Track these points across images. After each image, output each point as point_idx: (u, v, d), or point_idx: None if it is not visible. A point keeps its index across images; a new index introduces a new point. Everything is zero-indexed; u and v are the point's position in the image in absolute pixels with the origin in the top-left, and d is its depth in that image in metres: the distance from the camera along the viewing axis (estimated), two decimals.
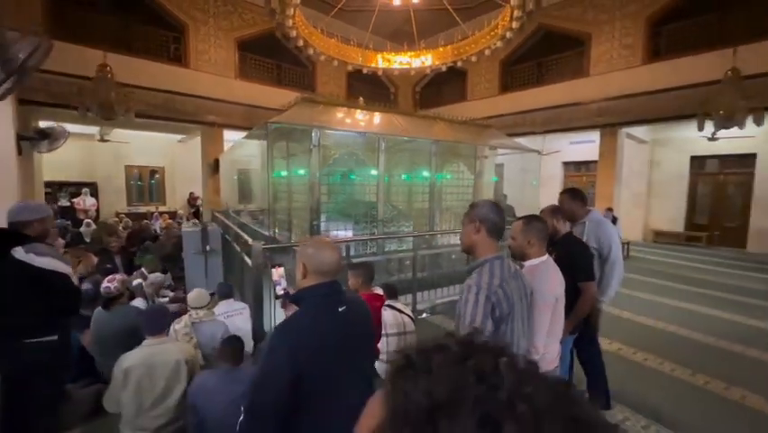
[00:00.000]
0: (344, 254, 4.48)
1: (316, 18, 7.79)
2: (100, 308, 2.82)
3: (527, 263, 1.79)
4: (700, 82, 6.76)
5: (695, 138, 8.95)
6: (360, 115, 5.23)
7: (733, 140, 8.02)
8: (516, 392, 0.23)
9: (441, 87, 12.78)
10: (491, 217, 1.46)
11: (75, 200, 10.54)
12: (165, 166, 12.43)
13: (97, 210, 10.80)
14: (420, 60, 7.25)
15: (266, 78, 10.15)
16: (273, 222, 5.36)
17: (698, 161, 10.22)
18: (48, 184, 10.28)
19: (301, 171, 5.54)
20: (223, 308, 3.33)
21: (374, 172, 5.28)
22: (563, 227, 2.32)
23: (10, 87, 1.84)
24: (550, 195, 4.93)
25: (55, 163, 9.95)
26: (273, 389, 1.08)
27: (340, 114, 5.03)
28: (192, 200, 12.32)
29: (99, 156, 11.24)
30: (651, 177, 10.86)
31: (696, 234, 10.01)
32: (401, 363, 0.29)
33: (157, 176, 12.54)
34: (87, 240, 7.72)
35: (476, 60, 7.38)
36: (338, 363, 1.18)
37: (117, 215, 11.02)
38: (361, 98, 5.95)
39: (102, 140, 9.34)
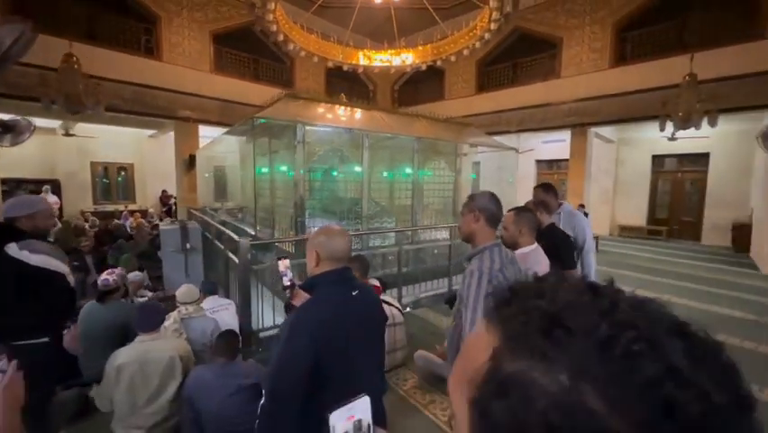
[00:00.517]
0: None
1: (296, 14, 7.70)
2: (94, 301, 2.73)
3: (518, 252, 1.90)
4: (662, 85, 7.23)
5: (656, 138, 9.55)
6: (344, 111, 5.26)
7: (689, 140, 8.62)
8: (614, 296, 0.30)
9: (419, 86, 12.93)
10: (490, 207, 1.56)
11: None
12: (134, 162, 11.90)
13: (60, 209, 10.21)
14: (401, 59, 7.33)
15: (243, 73, 9.92)
16: (256, 219, 5.30)
17: (658, 160, 10.91)
18: (4, 181, 9.62)
19: (284, 168, 5.50)
20: (209, 303, 3.29)
21: (358, 169, 5.32)
22: (547, 219, 2.47)
23: None
24: (525, 192, 5.14)
25: (11, 159, 9.32)
26: (294, 372, 1.12)
27: (324, 110, 5.03)
28: (164, 198, 11.88)
29: (61, 151, 10.61)
30: (617, 175, 11.49)
31: (657, 229, 10.70)
32: (506, 295, 0.34)
33: (123, 173, 11.96)
34: (51, 240, 7.30)
35: (455, 60, 7.55)
36: (354, 345, 1.24)
37: (83, 213, 10.48)
38: (343, 95, 5.97)
39: (67, 134, 8.83)
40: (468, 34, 6.74)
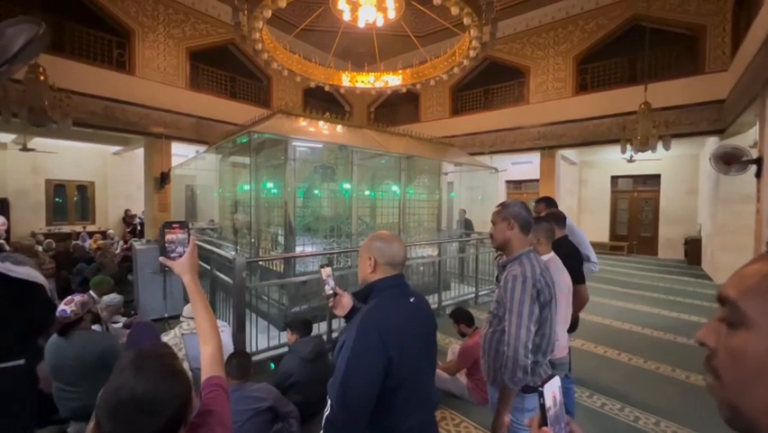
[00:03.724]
0: None
1: (278, 37, 7.76)
2: (56, 335, 2.43)
3: None
4: (620, 112, 7.94)
5: (614, 160, 10.38)
6: (337, 129, 5.31)
7: (643, 162, 9.44)
8: None
9: (395, 108, 13.29)
10: (523, 215, 1.63)
11: None
12: (96, 180, 11.14)
13: (8, 230, 9.29)
14: (383, 81, 7.55)
15: (219, 91, 9.75)
16: (257, 239, 5.10)
17: (616, 180, 11.81)
18: None
19: (271, 185, 5.40)
20: None
21: (348, 186, 5.33)
22: (559, 232, 2.58)
23: None
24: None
25: None
26: (368, 374, 1.09)
27: (315, 128, 5.05)
28: (128, 218, 11.17)
29: (11, 168, 9.76)
30: (580, 194, 12.27)
31: (619, 244, 11.44)
32: None
33: (80, 192, 11.12)
34: None
35: (434, 84, 7.88)
36: (418, 351, 1.23)
37: (33, 235, 9.61)
38: (328, 114, 6.01)
39: (24, 149, 8.19)
40: (447, 60, 7.09)
